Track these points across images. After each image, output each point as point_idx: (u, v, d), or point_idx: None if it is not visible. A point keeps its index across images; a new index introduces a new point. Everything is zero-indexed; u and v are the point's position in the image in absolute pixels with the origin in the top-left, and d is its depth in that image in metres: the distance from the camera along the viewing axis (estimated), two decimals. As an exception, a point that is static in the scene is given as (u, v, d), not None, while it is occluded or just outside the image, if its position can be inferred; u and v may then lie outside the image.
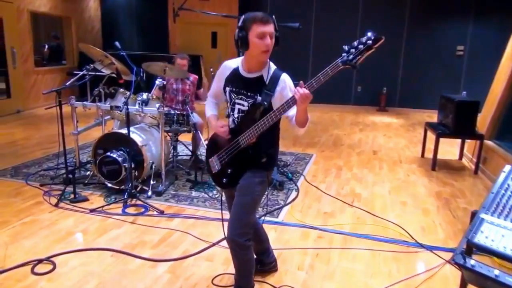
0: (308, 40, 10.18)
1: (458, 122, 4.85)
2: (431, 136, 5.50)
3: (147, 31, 11.05)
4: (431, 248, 3.03)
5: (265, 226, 3.22)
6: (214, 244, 2.96)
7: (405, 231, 3.30)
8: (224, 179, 2.20)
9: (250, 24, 1.91)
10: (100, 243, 2.95)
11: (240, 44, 1.96)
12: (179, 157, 5.06)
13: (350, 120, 8.51)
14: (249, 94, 2.06)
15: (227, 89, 2.15)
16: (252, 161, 2.08)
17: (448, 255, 2.94)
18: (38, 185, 4.02)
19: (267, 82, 2.02)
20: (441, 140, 5.03)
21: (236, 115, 2.14)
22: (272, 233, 3.17)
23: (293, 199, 3.90)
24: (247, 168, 2.10)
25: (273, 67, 2.07)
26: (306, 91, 1.79)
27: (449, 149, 6.03)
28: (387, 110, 9.90)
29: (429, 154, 5.66)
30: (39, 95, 8.53)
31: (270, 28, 1.92)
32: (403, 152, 5.92)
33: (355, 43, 1.73)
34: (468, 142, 5.47)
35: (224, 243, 2.87)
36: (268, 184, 2.21)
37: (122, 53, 4.43)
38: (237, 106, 2.13)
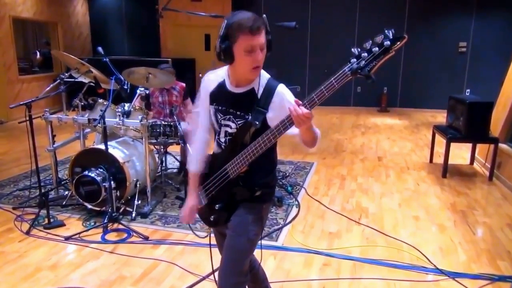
0: (304, 41, 9.80)
1: (471, 125, 4.47)
2: (439, 139, 5.13)
3: (138, 35, 10.66)
4: (453, 275, 2.64)
5: (262, 252, 2.84)
6: (204, 278, 2.57)
7: (422, 253, 2.91)
8: (212, 216, 1.79)
9: (236, 34, 1.47)
10: (73, 280, 2.55)
11: (223, 58, 1.54)
12: (169, 171, 4.68)
13: (351, 123, 8.13)
14: (238, 113, 1.65)
15: (212, 107, 1.73)
16: (244, 194, 1.68)
17: (473, 283, 2.56)
18: (11, 208, 3.62)
19: (259, 97, 1.61)
20: (445, 140, 4.67)
21: (222, 140, 1.73)
22: (271, 262, 2.78)
23: (294, 217, 3.51)
24: (239, 202, 1.70)
25: (265, 76, 1.64)
26: (305, 110, 1.37)
27: (459, 152, 5.66)
28: (388, 111, 9.53)
29: (438, 159, 5.29)
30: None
31: (261, 39, 1.49)
32: (410, 157, 5.54)
33: (368, 45, 1.32)
34: (480, 145, 5.09)
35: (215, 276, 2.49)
36: (266, 218, 1.81)
37: (104, 59, 4.06)
38: (223, 129, 1.71)
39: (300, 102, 1.41)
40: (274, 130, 1.49)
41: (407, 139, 6.65)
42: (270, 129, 1.51)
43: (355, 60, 1.33)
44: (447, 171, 4.64)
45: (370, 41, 1.33)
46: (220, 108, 1.70)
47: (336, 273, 2.67)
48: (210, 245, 1.96)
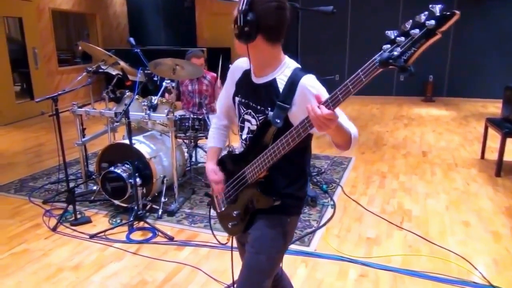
0: (344, 26, 9.33)
1: (530, 119, 4.00)
2: (491, 133, 4.67)
3: (174, 24, 10.60)
4: (511, 294, 2.32)
5: (292, 259, 2.64)
6: (228, 287, 2.40)
7: (473, 266, 2.59)
8: (230, 223, 1.61)
9: None
10: (94, 283, 2.46)
11: None
12: (199, 165, 4.53)
13: (393, 114, 7.67)
14: (258, 107, 1.44)
15: (236, 99, 1.55)
16: (263, 203, 1.47)
17: (535, 305, 2.22)
18: (41, 202, 3.61)
19: (281, 90, 1.38)
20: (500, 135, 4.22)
21: (244, 136, 1.54)
22: (302, 270, 2.56)
23: (329, 219, 3.26)
24: (259, 211, 1.49)
25: (291, 66, 1.41)
26: (326, 111, 1.12)
27: (514, 148, 5.14)
28: (434, 101, 8.93)
29: (490, 155, 4.83)
30: (64, 96, 8.26)
31: (234, 11, 1.35)
32: (458, 152, 5.09)
33: (407, 26, 1.02)
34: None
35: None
36: (291, 234, 1.59)
37: (136, 50, 3.96)
38: (246, 124, 1.52)
39: (321, 99, 1.16)
40: (294, 132, 1.26)
41: (455, 132, 6.15)
42: (289, 130, 1.28)
43: (388, 46, 1.04)
44: (501, 169, 4.19)
45: (411, 21, 1.04)
46: (242, 100, 1.52)
47: (374, 285, 2.41)
48: (232, 249, 1.77)
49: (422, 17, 1.00)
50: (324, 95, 1.31)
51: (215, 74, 4.19)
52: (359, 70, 1.08)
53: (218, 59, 4.24)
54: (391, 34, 1.05)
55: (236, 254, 1.81)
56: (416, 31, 1.00)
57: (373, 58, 1.06)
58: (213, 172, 1.59)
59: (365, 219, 3.27)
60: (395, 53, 1.02)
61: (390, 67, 1.04)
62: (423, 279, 2.46)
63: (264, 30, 1.31)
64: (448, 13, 0.97)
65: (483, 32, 8.50)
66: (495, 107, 8.09)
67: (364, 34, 9.04)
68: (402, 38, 1.02)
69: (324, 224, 3.17)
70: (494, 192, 3.80)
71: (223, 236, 1.79)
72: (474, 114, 7.53)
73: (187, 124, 3.69)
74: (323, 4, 3.48)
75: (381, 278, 2.48)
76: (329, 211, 3.41)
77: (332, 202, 3.56)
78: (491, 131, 4.66)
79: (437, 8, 0.98)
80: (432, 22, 0.98)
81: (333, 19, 8.76)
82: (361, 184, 4.05)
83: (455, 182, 4.08)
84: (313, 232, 3.04)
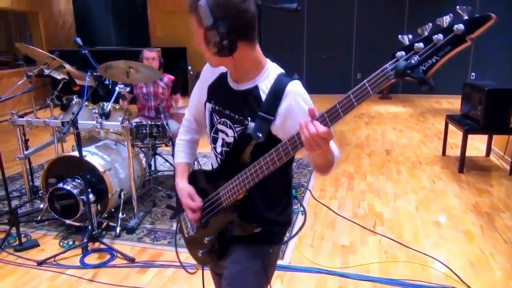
0: (301, 23, 9.28)
1: (490, 115, 4.06)
2: (450, 129, 4.73)
3: (126, 23, 10.12)
4: (491, 298, 2.26)
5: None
6: (199, 313, 2.16)
7: (450, 270, 2.52)
8: (200, 251, 1.39)
9: None
10: (43, 320, 2.15)
11: None
12: (159, 174, 4.24)
13: (353, 112, 7.53)
14: (236, 117, 1.24)
15: (208, 105, 1.33)
16: (240, 230, 1.27)
17: (516, 308, 2.17)
18: (-22, 225, 3.19)
19: (263, 99, 1.18)
20: (460, 132, 4.29)
21: (219, 150, 1.32)
22: (277, 286, 2.38)
23: (300, 227, 3.10)
24: (235, 239, 1.29)
25: (274, 71, 1.21)
26: (321, 128, 0.95)
27: (472, 142, 5.23)
28: (391, 98, 9.09)
29: (450, 151, 4.90)
30: (3, 103, 7.60)
31: (192, 20, 1.14)
32: (420, 149, 5.13)
33: (426, 30, 0.87)
34: (497, 135, 4.69)
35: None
36: (274, 266, 1.40)
37: (83, 51, 3.62)
38: (220, 135, 1.30)
39: (315, 114, 0.98)
40: (281, 150, 1.06)
41: (414, 129, 6.24)
42: (275, 148, 1.08)
43: (403, 53, 0.88)
44: (464, 166, 4.24)
45: (430, 25, 0.88)
46: (216, 107, 1.29)
47: (354, 299, 2.28)
48: (202, 268, 1.57)
49: (447, 19, 0.85)
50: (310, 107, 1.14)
51: (172, 77, 3.91)
52: (365, 81, 0.91)
53: (174, 59, 3.99)
54: (405, 39, 0.89)
55: (207, 273, 1.59)
56: (440, 36, 0.84)
57: (384, 66, 0.89)
58: (189, 196, 1.33)
59: (338, 225, 3.15)
60: (413, 62, 0.86)
61: (407, 78, 0.87)
62: (403, 288, 2.36)
63: (243, 34, 1.11)
64: (481, 16, 0.81)
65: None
66: (448, 103, 8.37)
67: (322, 32, 9.04)
68: (421, 45, 0.86)
69: (296, 233, 3.01)
70: (459, 189, 3.82)
71: (187, 253, 1.54)
72: (430, 110, 7.72)
73: (144, 131, 3.41)
74: (281, 2, 3.32)
75: (361, 290, 2.35)
76: (300, 218, 3.26)
77: (302, 208, 3.42)
78: (450, 127, 4.72)
79: (465, 11, 0.82)
80: (461, 26, 0.82)
81: (290, 17, 8.69)
82: (329, 187, 3.94)
83: (421, 180, 4.07)
84: (286, 243, 2.87)
